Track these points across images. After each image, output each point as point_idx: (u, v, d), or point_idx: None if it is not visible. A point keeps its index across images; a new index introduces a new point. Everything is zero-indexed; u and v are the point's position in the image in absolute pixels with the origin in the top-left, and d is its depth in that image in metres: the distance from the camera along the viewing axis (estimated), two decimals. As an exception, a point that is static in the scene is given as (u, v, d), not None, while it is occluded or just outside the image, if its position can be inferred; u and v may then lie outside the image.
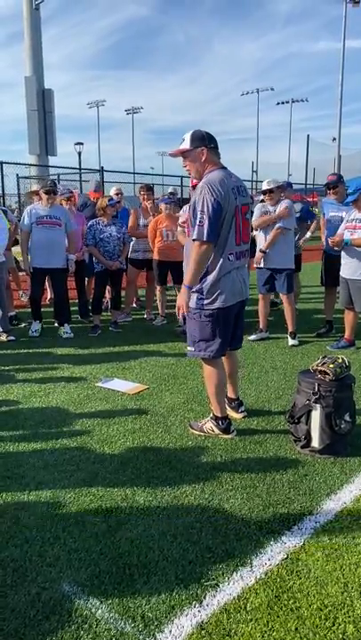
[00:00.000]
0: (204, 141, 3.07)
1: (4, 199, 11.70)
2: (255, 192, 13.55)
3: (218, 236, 3.01)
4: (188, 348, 3.34)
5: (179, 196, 7.54)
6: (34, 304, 6.15)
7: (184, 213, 5.83)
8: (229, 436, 3.36)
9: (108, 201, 6.26)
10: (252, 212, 5.50)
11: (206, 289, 3.12)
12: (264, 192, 5.60)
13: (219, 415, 3.36)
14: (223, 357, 3.43)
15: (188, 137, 3.10)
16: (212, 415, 3.41)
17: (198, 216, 2.96)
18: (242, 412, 3.68)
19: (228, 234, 3.06)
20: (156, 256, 6.37)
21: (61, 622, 1.90)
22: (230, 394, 3.66)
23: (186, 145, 3.10)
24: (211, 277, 3.10)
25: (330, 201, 5.99)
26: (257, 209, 5.65)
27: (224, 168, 3.14)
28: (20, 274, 7.56)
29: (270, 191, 5.54)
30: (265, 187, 5.60)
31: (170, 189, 6.79)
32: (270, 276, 5.63)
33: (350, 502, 2.66)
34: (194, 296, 3.18)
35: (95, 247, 6.09)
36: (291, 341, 5.63)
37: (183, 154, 3.14)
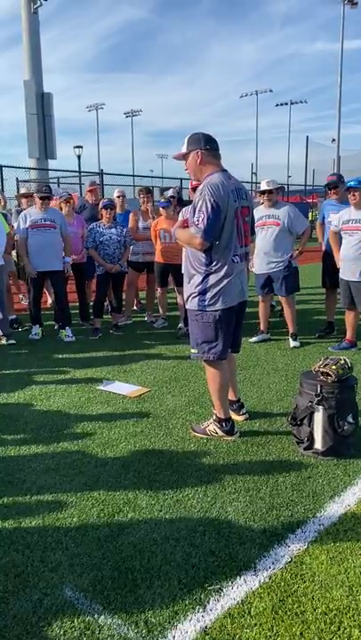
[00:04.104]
0: (200, 144, 3.11)
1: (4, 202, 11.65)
2: (255, 194, 13.54)
3: (215, 237, 3.01)
4: (192, 351, 3.34)
5: (176, 195, 7.43)
6: (33, 308, 6.15)
7: (182, 217, 5.82)
8: (233, 438, 3.35)
9: (103, 204, 6.25)
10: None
11: (209, 290, 3.12)
12: (263, 192, 5.58)
13: (222, 417, 3.35)
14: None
15: (185, 140, 3.17)
16: (214, 417, 3.40)
17: (196, 215, 3.00)
18: (243, 414, 3.66)
19: (231, 235, 3.08)
20: (158, 258, 6.36)
21: (64, 628, 1.88)
22: (230, 396, 3.63)
23: (183, 149, 3.17)
24: (214, 278, 3.10)
25: (331, 202, 5.97)
26: (257, 211, 5.62)
27: (224, 170, 3.15)
28: (22, 281, 7.57)
29: (269, 192, 5.53)
30: (264, 187, 5.58)
31: (170, 192, 6.74)
32: (268, 278, 5.61)
33: (354, 504, 2.64)
34: (195, 298, 3.17)
35: (95, 250, 6.09)
36: (292, 343, 5.61)
37: (183, 157, 3.20)
